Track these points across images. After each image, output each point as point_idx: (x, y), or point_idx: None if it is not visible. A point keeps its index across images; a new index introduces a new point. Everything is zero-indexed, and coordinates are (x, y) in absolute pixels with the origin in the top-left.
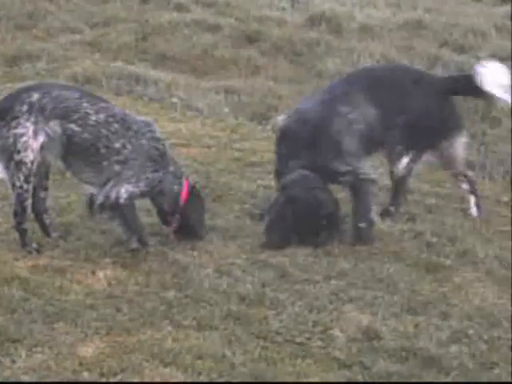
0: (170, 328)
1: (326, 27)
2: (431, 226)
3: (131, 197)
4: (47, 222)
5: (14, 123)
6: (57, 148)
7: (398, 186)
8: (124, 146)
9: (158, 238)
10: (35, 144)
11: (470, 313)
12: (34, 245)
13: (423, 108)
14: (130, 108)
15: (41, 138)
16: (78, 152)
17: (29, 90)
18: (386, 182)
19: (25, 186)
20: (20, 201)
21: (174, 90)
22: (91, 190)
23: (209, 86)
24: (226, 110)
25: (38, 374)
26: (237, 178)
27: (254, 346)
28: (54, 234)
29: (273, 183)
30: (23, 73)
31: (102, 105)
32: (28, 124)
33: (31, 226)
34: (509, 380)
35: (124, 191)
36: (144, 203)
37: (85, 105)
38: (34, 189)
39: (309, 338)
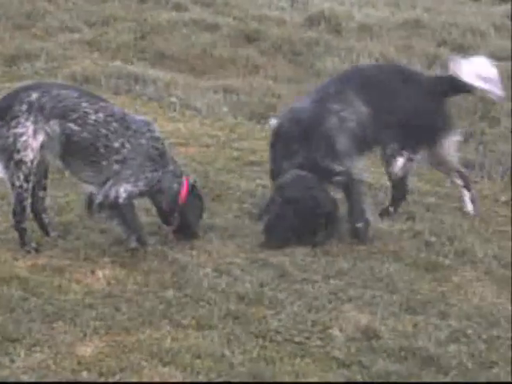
0: (168, 327)
1: (325, 27)
2: (430, 225)
3: (130, 196)
4: (46, 221)
5: (13, 123)
6: (56, 147)
7: (397, 187)
8: (123, 146)
9: (157, 237)
10: (35, 143)
11: (468, 312)
12: (33, 244)
13: (415, 106)
14: (129, 107)
15: (40, 138)
16: (77, 151)
17: (28, 89)
18: (386, 182)
19: (24, 186)
20: (19, 200)
21: (172, 89)
22: (90, 188)
23: (207, 85)
24: (225, 109)
25: (37, 373)
26: (235, 177)
27: (252, 346)
28: (53, 234)
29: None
30: (22, 72)
31: (102, 104)
32: (28, 123)
33: (30, 225)
34: (508, 379)
35: (123, 190)
36: (143, 202)
37: (84, 104)
38: (33, 188)
39: (308, 338)
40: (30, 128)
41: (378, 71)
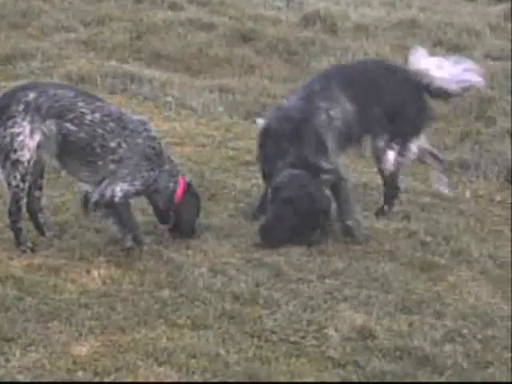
0: (164, 327)
1: (320, 26)
2: (426, 224)
3: (126, 195)
4: (42, 220)
5: (10, 122)
6: (53, 147)
7: (389, 184)
8: (119, 145)
9: (153, 236)
10: (32, 143)
11: (464, 312)
12: (29, 244)
13: (400, 99)
14: (125, 107)
15: (37, 137)
16: (74, 151)
17: (25, 89)
18: (380, 181)
19: (21, 185)
20: (15, 200)
21: (168, 88)
22: (86, 187)
23: (203, 84)
24: (221, 108)
25: (32, 373)
26: (231, 176)
27: (248, 345)
28: (49, 233)
29: None
30: (17, 71)
31: (98, 104)
32: (24, 123)
33: (26, 225)
34: (503, 379)
35: (119, 190)
36: (139, 202)
37: (80, 104)
38: (29, 188)
39: (303, 337)
40: (27, 128)
41: (362, 66)
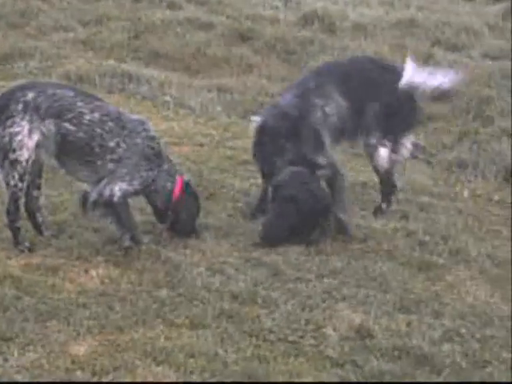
0: (162, 326)
1: (318, 26)
2: (424, 224)
3: (125, 195)
4: (40, 220)
5: (9, 122)
6: (51, 147)
7: (384, 181)
8: (118, 145)
9: (151, 236)
10: (30, 143)
11: (462, 311)
12: (27, 243)
13: (391, 96)
14: (123, 106)
15: (36, 137)
16: (73, 151)
17: (24, 88)
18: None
19: (19, 185)
20: (14, 199)
21: (166, 88)
22: (84, 186)
23: (201, 84)
24: (219, 108)
25: (30, 372)
26: (229, 176)
27: (246, 345)
28: (47, 233)
29: None
30: (16, 71)
31: (97, 103)
32: (23, 123)
33: (24, 224)
34: (501, 379)
35: (118, 189)
36: (137, 201)
37: (79, 104)
38: (27, 187)
39: (301, 337)
40: (26, 127)
41: (354, 63)
